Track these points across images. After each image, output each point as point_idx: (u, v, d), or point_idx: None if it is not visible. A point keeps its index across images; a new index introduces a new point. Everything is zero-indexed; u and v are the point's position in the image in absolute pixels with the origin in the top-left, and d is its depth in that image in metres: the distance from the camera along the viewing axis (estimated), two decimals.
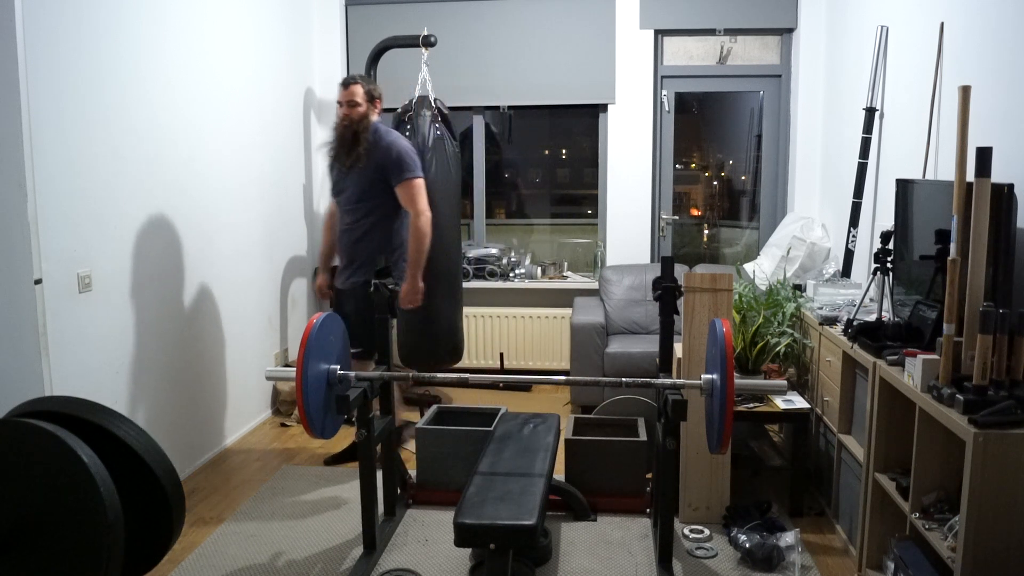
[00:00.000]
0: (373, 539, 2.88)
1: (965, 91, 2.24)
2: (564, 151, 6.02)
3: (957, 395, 2.03)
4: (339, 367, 2.63)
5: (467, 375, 2.65)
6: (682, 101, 5.25)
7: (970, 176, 2.16)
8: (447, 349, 4.23)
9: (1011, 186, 2.22)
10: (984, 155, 2.12)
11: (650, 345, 4.34)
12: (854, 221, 3.85)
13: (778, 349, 3.49)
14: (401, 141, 3.58)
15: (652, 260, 5.16)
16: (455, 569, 2.84)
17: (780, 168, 5.13)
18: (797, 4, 4.85)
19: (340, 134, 3.58)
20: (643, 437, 3.36)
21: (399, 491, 3.32)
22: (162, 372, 3.53)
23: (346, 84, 3.56)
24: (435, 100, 4.10)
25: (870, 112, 3.70)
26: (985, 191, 2.12)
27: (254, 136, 4.32)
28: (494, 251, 5.24)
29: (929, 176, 3.09)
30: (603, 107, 5.12)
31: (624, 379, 2.58)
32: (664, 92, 5.10)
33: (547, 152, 6.09)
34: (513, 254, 5.32)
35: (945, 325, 2.17)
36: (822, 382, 3.26)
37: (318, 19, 5.16)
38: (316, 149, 3.77)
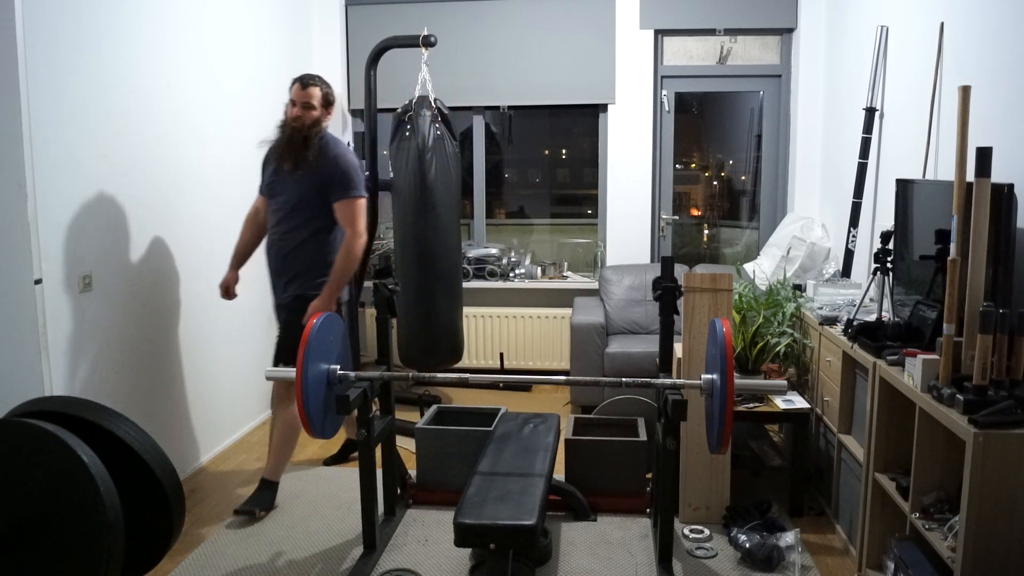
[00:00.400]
0: (373, 539, 2.88)
1: (965, 91, 2.24)
2: (564, 151, 6.03)
3: (957, 395, 2.03)
4: (339, 367, 2.63)
5: (467, 375, 2.65)
6: (682, 101, 5.25)
7: (970, 176, 2.16)
8: (447, 349, 4.24)
9: (1011, 186, 2.22)
10: (984, 155, 2.12)
11: (650, 345, 4.34)
12: (854, 221, 3.85)
13: (778, 349, 3.49)
14: (350, 155, 3.34)
15: (652, 260, 5.16)
16: (455, 569, 2.84)
17: (780, 168, 5.13)
18: (797, 4, 4.85)
19: (289, 135, 3.28)
20: (643, 437, 3.36)
21: (399, 491, 3.32)
22: (162, 372, 3.53)
23: (305, 84, 3.30)
24: (435, 100, 4.10)
25: (870, 112, 3.70)
26: (985, 191, 2.12)
27: (254, 136, 4.32)
28: (494, 251, 5.24)
29: (929, 176, 3.09)
30: (603, 107, 5.12)
31: (624, 379, 2.58)
32: (664, 92, 5.10)
33: (547, 152, 6.09)
34: (513, 254, 5.32)
35: (945, 325, 2.17)
36: (822, 382, 3.26)
37: (318, 19, 5.16)
38: (259, 143, 3.44)
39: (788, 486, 3.31)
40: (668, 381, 2.62)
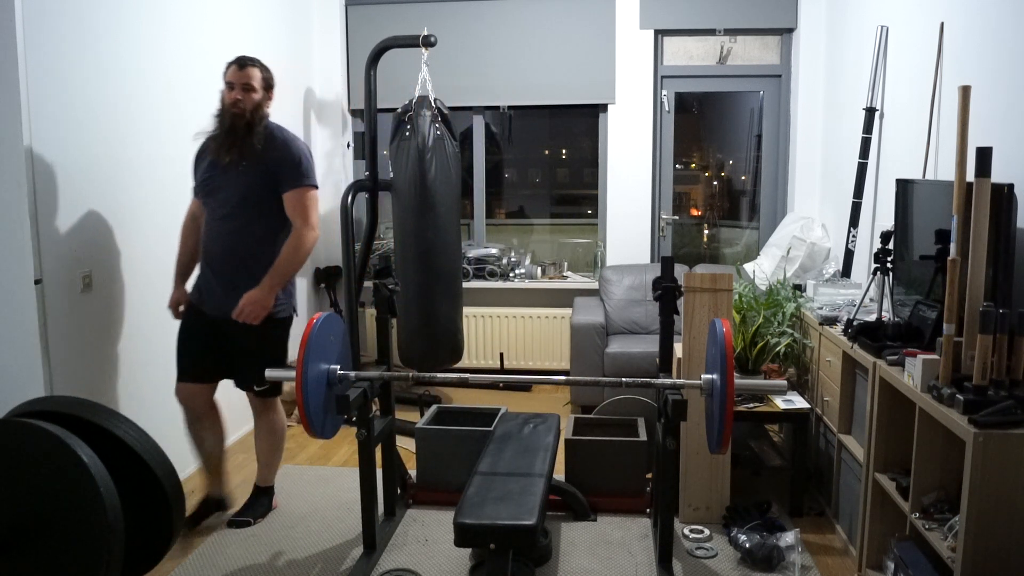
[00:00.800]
0: (373, 539, 2.88)
1: (965, 91, 2.24)
2: (564, 151, 6.02)
3: (957, 395, 2.03)
4: (339, 367, 2.63)
5: (467, 375, 2.65)
6: (682, 101, 5.25)
7: (970, 176, 2.16)
8: (447, 349, 4.23)
9: (1011, 186, 2.22)
10: (984, 155, 2.12)
11: (650, 345, 4.34)
12: (854, 221, 3.85)
13: (778, 349, 3.49)
14: (300, 142, 3.07)
15: (652, 260, 5.16)
16: (455, 569, 2.84)
17: (780, 168, 5.13)
18: (797, 4, 4.85)
19: (230, 123, 2.93)
20: (643, 437, 3.36)
21: (399, 491, 3.32)
22: (162, 372, 3.52)
23: (242, 64, 2.97)
24: (435, 100, 4.10)
25: (870, 112, 3.70)
26: (985, 191, 2.12)
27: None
28: (494, 251, 5.24)
29: (929, 176, 3.09)
30: (603, 107, 5.12)
31: (624, 379, 2.58)
32: (664, 92, 5.10)
33: (547, 152, 6.09)
34: (513, 254, 5.32)
35: (945, 325, 2.17)
36: (822, 382, 3.26)
37: (318, 19, 5.16)
38: (194, 136, 3.12)
39: (788, 486, 3.31)
40: (668, 381, 2.62)
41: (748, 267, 4.53)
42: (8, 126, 2.66)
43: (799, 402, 3.28)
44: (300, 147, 3.04)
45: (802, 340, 3.52)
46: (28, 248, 2.73)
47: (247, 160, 2.94)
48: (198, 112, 3.76)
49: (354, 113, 5.34)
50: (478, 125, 5.31)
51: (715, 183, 5.59)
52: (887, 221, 3.33)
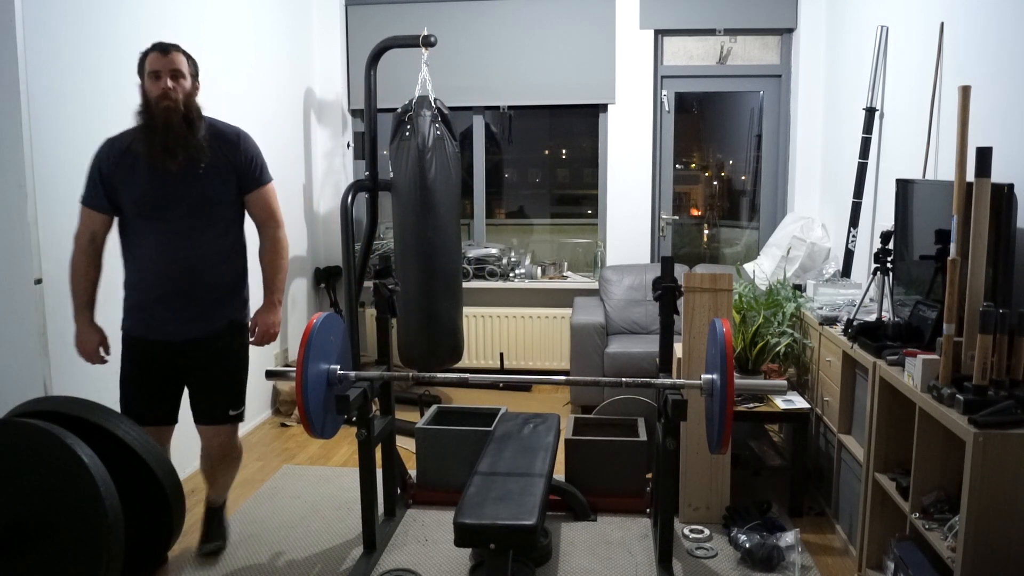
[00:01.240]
0: (373, 539, 2.88)
1: (965, 91, 2.24)
2: (564, 151, 6.02)
3: (957, 395, 2.03)
4: (339, 367, 2.63)
5: (467, 375, 2.65)
6: (682, 101, 5.25)
7: (970, 176, 2.16)
8: (447, 349, 4.24)
9: (1011, 186, 2.22)
10: (984, 155, 2.12)
11: (650, 345, 4.34)
12: (854, 221, 3.85)
13: (778, 349, 3.49)
14: (245, 132, 2.74)
15: (652, 260, 5.16)
16: (455, 569, 2.84)
17: (780, 168, 5.13)
18: (797, 4, 4.85)
19: (164, 119, 2.47)
20: (643, 437, 3.36)
21: (399, 491, 3.32)
22: None
23: (164, 49, 2.51)
24: (435, 100, 4.10)
25: (870, 112, 3.70)
26: (985, 191, 2.12)
27: (253, 136, 4.32)
28: (494, 251, 5.24)
29: (929, 176, 3.09)
30: (603, 107, 5.12)
31: (624, 379, 2.58)
32: (664, 92, 5.10)
33: (547, 152, 6.08)
34: (513, 254, 5.32)
35: (945, 325, 2.17)
36: (822, 382, 3.26)
37: (318, 19, 5.16)
38: (106, 143, 2.68)
39: (788, 486, 3.31)
40: (668, 381, 2.62)
41: (748, 267, 4.53)
42: (8, 126, 2.66)
43: (799, 402, 3.28)
44: (251, 139, 2.74)
45: (802, 340, 3.52)
46: (28, 248, 2.74)
47: (203, 162, 2.55)
48: None
49: (354, 113, 5.34)
50: (478, 125, 5.31)
51: (715, 183, 5.59)
52: (887, 221, 3.33)
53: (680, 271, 4.06)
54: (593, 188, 5.36)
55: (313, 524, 3.20)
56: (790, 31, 4.96)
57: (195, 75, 2.61)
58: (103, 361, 2.68)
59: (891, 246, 2.88)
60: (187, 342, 2.65)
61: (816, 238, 4.32)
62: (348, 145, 5.35)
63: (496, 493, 2.55)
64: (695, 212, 5.58)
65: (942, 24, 3.01)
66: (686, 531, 3.11)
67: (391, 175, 4.19)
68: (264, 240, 2.73)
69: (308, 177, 5.07)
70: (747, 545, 2.85)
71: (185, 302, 2.61)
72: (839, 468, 3.07)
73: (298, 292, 4.95)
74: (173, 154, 2.49)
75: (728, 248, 5.59)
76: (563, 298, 5.18)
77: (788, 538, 2.84)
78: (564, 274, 5.32)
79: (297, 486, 3.57)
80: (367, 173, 4.26)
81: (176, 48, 2.55)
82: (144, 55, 2.55)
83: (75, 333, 2.65)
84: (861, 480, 2.74)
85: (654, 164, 5.12)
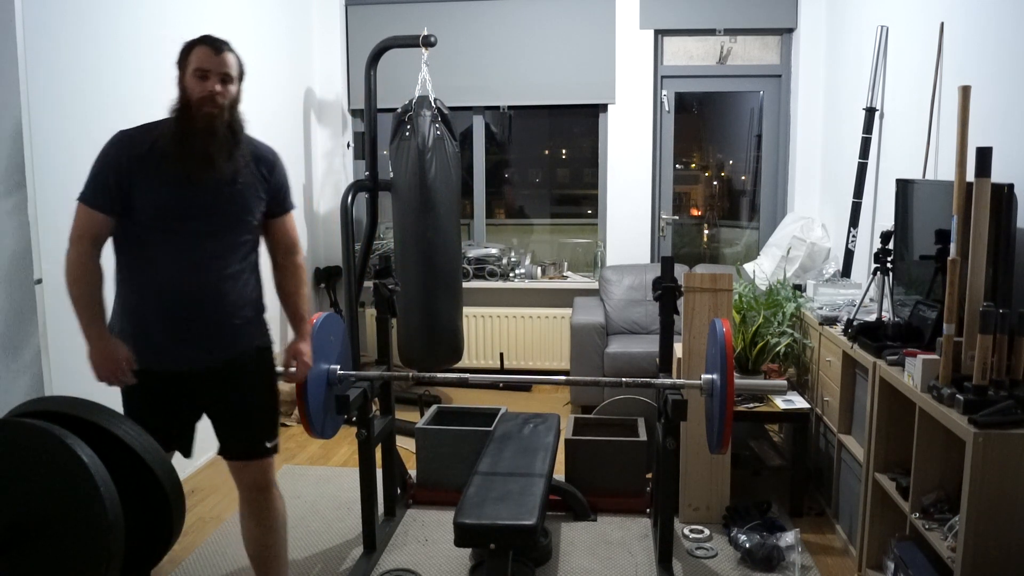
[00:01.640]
0: (373, 539, 2.88)
1: (965, 91, 2.24)
2: (564, 151, 6.02)
3: (957, 395, 2.03)
4: (339, 367, 2.63)
5: (467, 375, 2.66)
6: (682, 101, 5.25)
7: (970, 176, 2.16)
8: (447, 349, 4.24)
9: (1011, 186, 2.22)
10: (984, 155, 2.12)
11: (650, 345, 4.33)
12: (854, 221, 3.85)
13: (778, 349, 3.49)
14: (278, 152, 2.43)
15: (652, 260, 5.16)
16: (455, 569, 2.84)
17: (780, 168, 5.13)
18: (797, 4, 4.85)
19: (206, 124, 2.16)
20: (643, 437, 3.36)
21: (399, 491, 3.32)
22: None
23: (218, 47, 2.18)
24: (435, 100, 4.10)
25: (870, 112, 3.70)
26: (985, 191, 2.12)
27: (253, 136, 4.32)
28: (494, 251, 5.24)
29: (929, 176, 3.09)
30: (603, 107, 5.12)
31: (624, 379, 2.58)
32: (664, 92, 5.10)
33: (547, 152, 6.09)
34: (513, 254, 5.32)
35: (945, 325, 2.17)
36: (822, 382, 3.26)
37: (318, 19, 5.16)
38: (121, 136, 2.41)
39: (788, 486, 3.31)
40: (668, 381, 2.62)
41: (748, 267, 4.53)
42: (8, 126, 2.67)
43: (799, 402, 3.28)
44: (283, 161, 2.46)
45: (802, 340, 3.52)
46: (28, 248, 2.74)
47: (241, 178, 2.25)
48: None
49: (354, 113, 5.34)
50: (478, 125, 5.31)
51: (715, 183, 5.60)
52: (887, 221, 3.33)
53: (680, 271, 4.06)
54: (593, 188, 5.36)
55: (313, 524, 3.20)
56: (790, 31, 4.96)
57: (241, 78, 2.27)
58: (132, 381, 2.26)
59: (891, 246, 2.88)
60: (210, 371, 2.32)
61: (816, 238, 4.32)
62: (348, 145, 5.35)
63: (496, 493, 2.55)
64: (695, 212, 5.58)
65: (942, 24, 3.01)
66: (686, 531, 3.11)
67: (391, 175, 4.19)
68: (288, 267, 2.44)
69: (308, 177, 5.07)
70: (747, 545, 2.85)
71: (207, 327, 2.27)
72: (839, 468, 3.07)
73: None
74: (213, 163, 2.18)
75: (728, 248, 5.59)
76: (563, 298, 5.18)
77: (788, 538, 2.84)
78: (564, 274, 5.32)
79: (297, 486, 3.57)
80: (367, 173, 4.26)
81: (228, 47, 2.21)
82: (189, 47, 2.20)
83: (89, 352, 2.26)
84: (861, 480, 2.74)
85: (654, 164, 5.12)
